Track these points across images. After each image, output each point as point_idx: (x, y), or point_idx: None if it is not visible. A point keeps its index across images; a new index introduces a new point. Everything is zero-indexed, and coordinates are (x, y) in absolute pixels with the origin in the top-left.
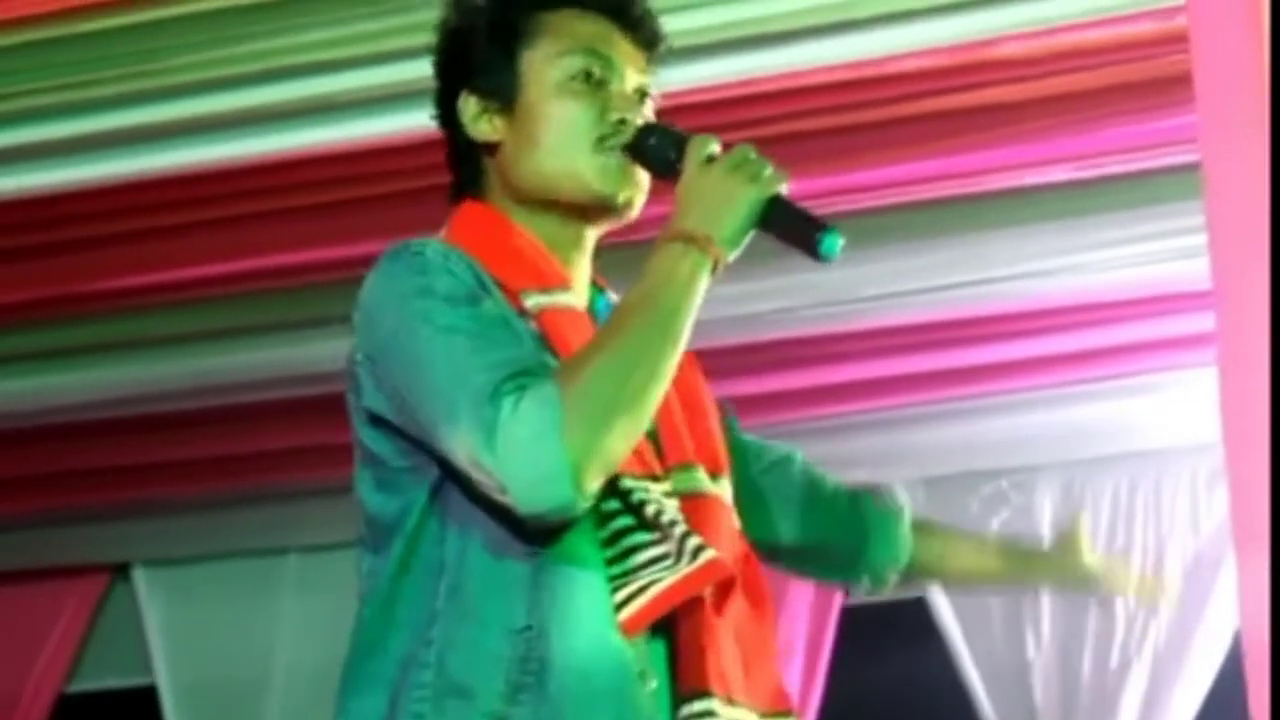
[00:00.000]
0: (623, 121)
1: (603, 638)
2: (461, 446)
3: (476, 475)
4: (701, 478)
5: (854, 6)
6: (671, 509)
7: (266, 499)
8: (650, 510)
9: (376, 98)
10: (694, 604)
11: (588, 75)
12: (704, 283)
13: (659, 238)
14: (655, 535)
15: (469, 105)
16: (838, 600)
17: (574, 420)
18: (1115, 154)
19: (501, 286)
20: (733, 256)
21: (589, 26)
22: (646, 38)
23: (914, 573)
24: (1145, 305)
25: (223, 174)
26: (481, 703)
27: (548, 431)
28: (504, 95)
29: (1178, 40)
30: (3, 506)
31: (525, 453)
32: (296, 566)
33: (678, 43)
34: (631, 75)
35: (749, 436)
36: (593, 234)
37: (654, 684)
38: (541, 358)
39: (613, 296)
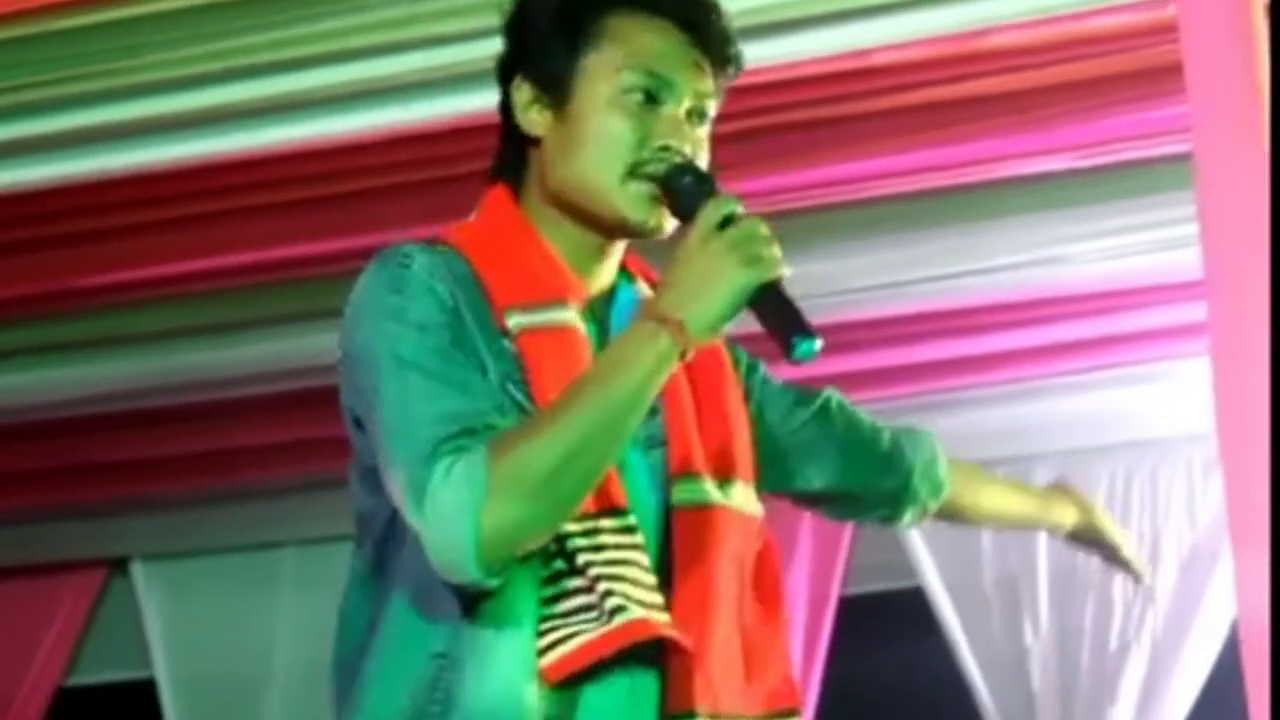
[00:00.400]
0: (666, 148)
1: (513, 684)
2: (397, 492)
3: (406, 519)
4: (706, 489)
5: None
6: (605, 556)
7: (263, 493)
8: (580, 560)
9: (355, 94)
10: (686, 625)
11: (644, 93)
12: (668, 368)
13: (640, 310)
14: (584, 583)
15: (521, 91)
16: (835, 590)
17: (495, 500)
18: (1109, 144)
19: (489, 299)
20: (707, 335)
21: (657, 40)
22: (718, 57)
23: (947, 511)
24: (1141, 295)
25: (210, 169)
26: (386, 715)
27: (466, 509)
28: (557, 92)
29: (1169, 30)
30: (1, 501)
31: (444, 523)
32: (294, 560)
33: None
34: (690, 97)
35: (782, 386)
36: (619, 246)
37: None
38: (501, 405)
39: (643, 286)
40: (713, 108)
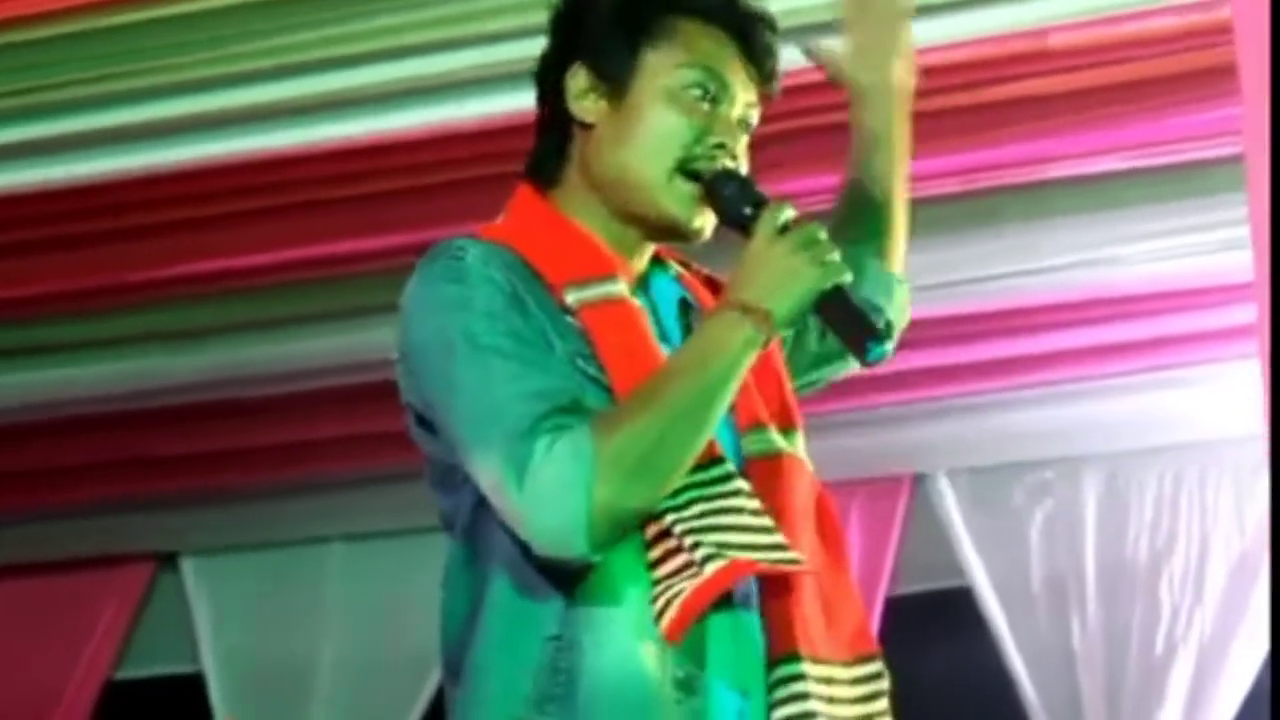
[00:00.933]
0: (721, 146)
1: (633, 652)
2: (489, 474)
3: (496, 504)
4: (773, 437)
5: None
6: (695, 510)
7: (312, 488)
8: (668, 520)
9: (409, 90)
10: (776, 580)
11: (702, 91)
12: (753, 355)
13: (718, 302)
14: (675, 542)
15: (578, 78)
16: (883, 590)
17: (603, 478)
18: (1163, 145)
19: (544, 280)
20: (785, 330)
21: (713, 45)
22: (765, 70)
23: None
24: (1192, 297)
25: (265, 164)
26: (510, 706)
27: (576, 484)
28: (616, 82)
29: (1226, 31)
30: (51, 496)
31: (550, 500)
32: (341, 555)
33: None
34: (741, 104)
35: None
36: (653, 244)
37: (699, 698)
38: (578, 381)
39: (676, 268)
40: (755, 120)
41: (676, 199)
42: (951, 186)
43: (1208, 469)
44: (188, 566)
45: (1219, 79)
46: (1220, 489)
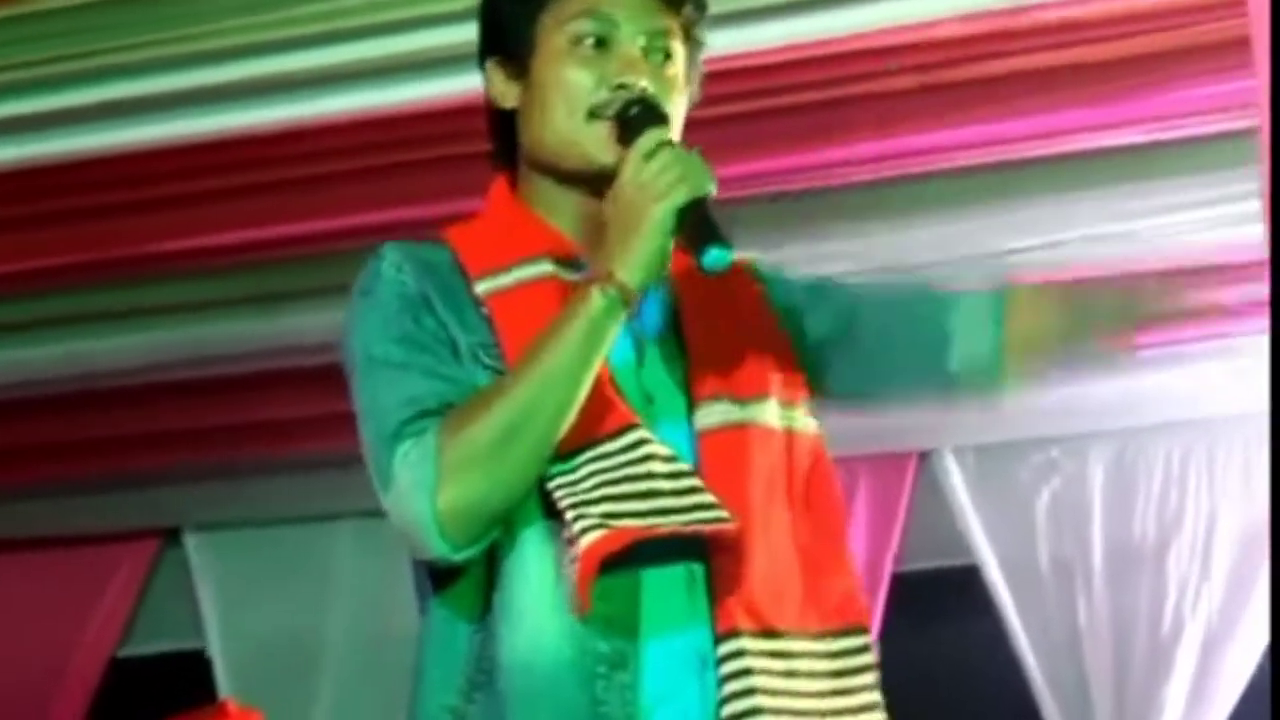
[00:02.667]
0: (623, 85)
1: (542, 629)
2: (373, 480)
3: None
4: (725, 409)
5: None
6: (588, 484)
7: (318, 464)
8: (560, 496)
9: (419, 62)
10: (719, 546)
11: (596, 40)
12: (608, 324)
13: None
14: (571, 518)
15: (493, 71)
16: (888, 568)
17: (444, 479)
18: (1174, 119)
19: (467, 277)
20: (646, 281)
21: None
22: None
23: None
24: (1205, 272)
25: (289, 135)
26: (444, 697)
27: (420, 487)
28: (519, 61)
29: (1239, 4)
30: (55, 471)
31: (403, 504)
32: (350, 532)
33: (717, 8)
34: (643, 35)
35: (806, 283)
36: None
37: (628, 672)
38: (459, 382)
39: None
40: (676, 45)
41: (595, 143)
42: (962, 160)
43: (1216, 446)
44: (192, 542)
45: (1231, 52)
46: (1228, 466)
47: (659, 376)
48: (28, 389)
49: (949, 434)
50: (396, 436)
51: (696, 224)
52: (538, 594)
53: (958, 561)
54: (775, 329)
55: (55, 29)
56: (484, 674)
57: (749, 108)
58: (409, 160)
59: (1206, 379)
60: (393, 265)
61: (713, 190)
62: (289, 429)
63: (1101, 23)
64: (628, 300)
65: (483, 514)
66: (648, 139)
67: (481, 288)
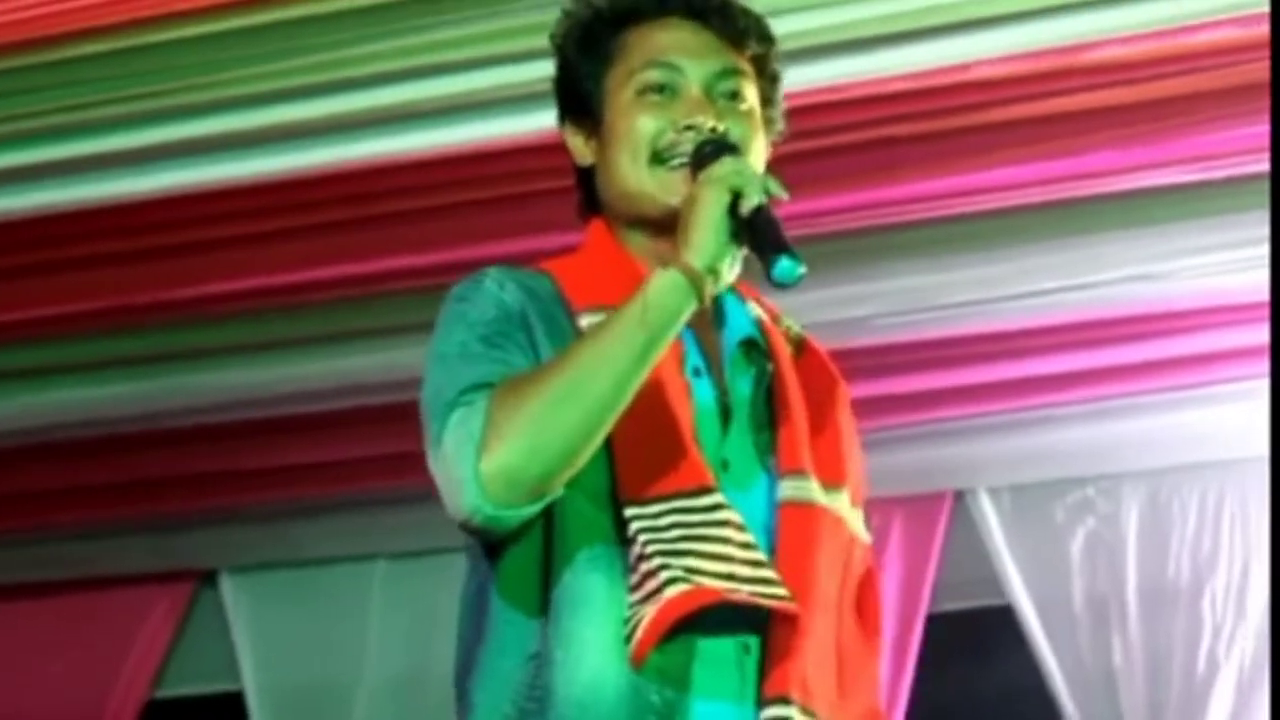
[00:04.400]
0: (689, 127)
1: (603, 673)
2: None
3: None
4: (810, 486)
5: (943, 11)
6: (675, 534)
7: (354, 505)
8: (642, 540)
9: (454, 107)
10: (779, 620)
11: (662, 87)
12: (673, 302)
13: None
14: (650, 566)
15: (570, 132)
16: (923, 608)
17: (491, 434)
18: (1209, 159)
19: (569, 307)
20: (709, 264)
21: (666, 36)
22: (731, 33)
23: None
24: (1237, 312)
25: (314, 181)
26: None
27: (466, 441)
28: (592, 118)
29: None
30: (92, 512)
31: (448, 462)
32: (384, 573)
33: None
34: (708, 77)
35: None
36: None
37: None
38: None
39: (754, 308)
40: (745, 82)
41: (666, 187)
42: (997, 201)
43: (1250, 486)
44: (227, 584)
45: (1263, 94)
46: (1263, 506)
47: (741, 445)
48: (66, 432)
49: (984, 474)
50: (451, 405)
51: (764, 232)
52: (602, 631)
53: (993, 601)
54: (855, 436)
55: (136, 68)
56: (535, 702)
57: (793, 149)
58: (446, 204)
59: (1240, 420)
60: (495, 282)
61: (780, 193)
62: (325, 472)
63: (1137, 64)
64: (695, 281)
65: (524, 476)
66: (724, 163)
67: (586, 321)
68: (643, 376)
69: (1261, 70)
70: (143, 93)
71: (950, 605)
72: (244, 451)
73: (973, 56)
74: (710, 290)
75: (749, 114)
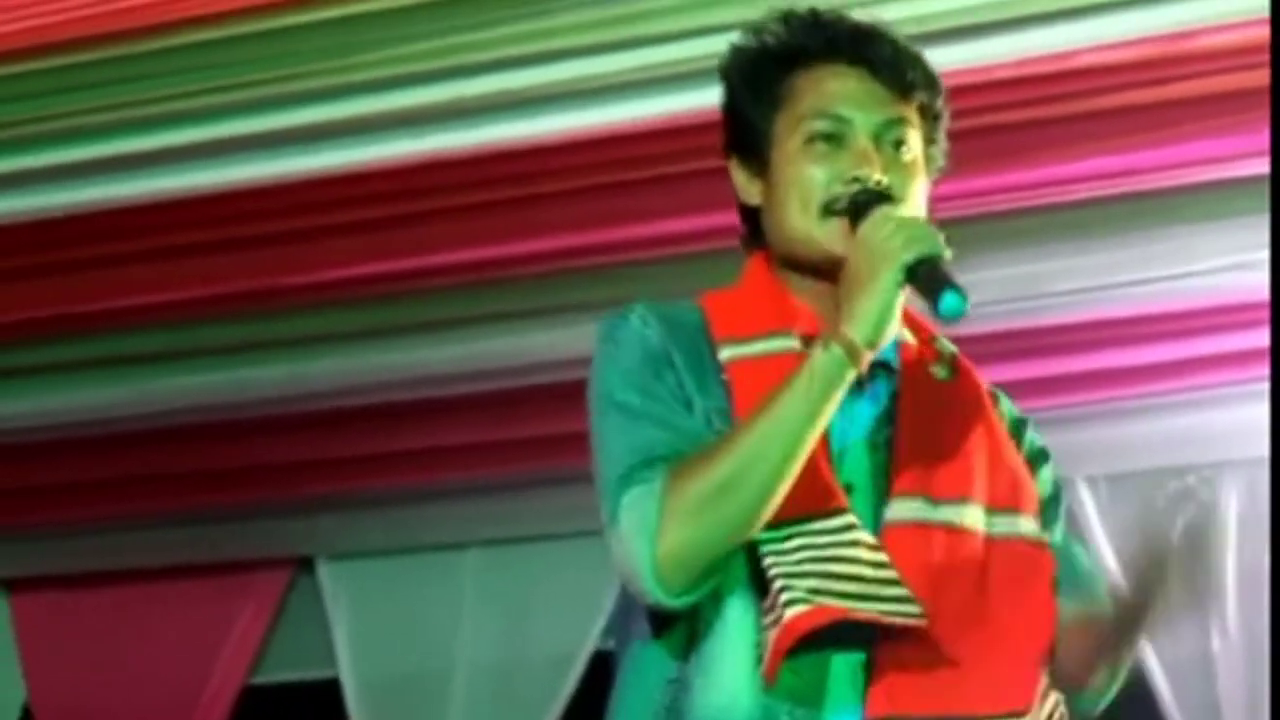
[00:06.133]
0: (856, 179)
1: (738, 693)
2: (603, 520)
3: None
4: (918, 506)
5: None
6: (798, 556)
7: (448, 494)
8: (768, 563)
9: (572, 92)
10: (888, 634)
11: (829, 137)
12: (837, 378)
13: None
14: (779, 588)
15: (736, 169)
16: None
17: (667, 524)
18: None
19: (713, 341)
20: (872, 338)
21: (833, 84)
22: (898, 84)
23: None
24: None
25: (427, 167)
26: None
27: (641, 531)
28: (759, 160)
29: None
30: (190, 500)
31: (625, 546)
32: (476, 561)
33: None
34: (876, 128)
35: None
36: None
37: None
38: (692, 436)
39: (905, 333)
40: (910, 131)
41: (832, 237)
42: (1101, 189)
43: None
44: (324, 571)
45: None
46: (1269, 503)
47: (861, 466)
48: (167, 418)
49: (1082, 463)
50: (625, 480)
51: (930, 275)
52: (736, 655)
53: None
54: (1007, 440)
55: (194, 62)
56: None
57: None
58: (555, 190)
59: None
60: (640, 318)
61: (945, 253)
62: (421, 459)
63: (1241, 51)
64: (854, 356)
65: (699, 562)
66: (876, 213)
67: (725, 354)
68: (808, 451)
69: None
70: (278, 76)
71: None
72: (340, 439)
73: (1079, 44)
74: (868, 359)
75: (912, 163)
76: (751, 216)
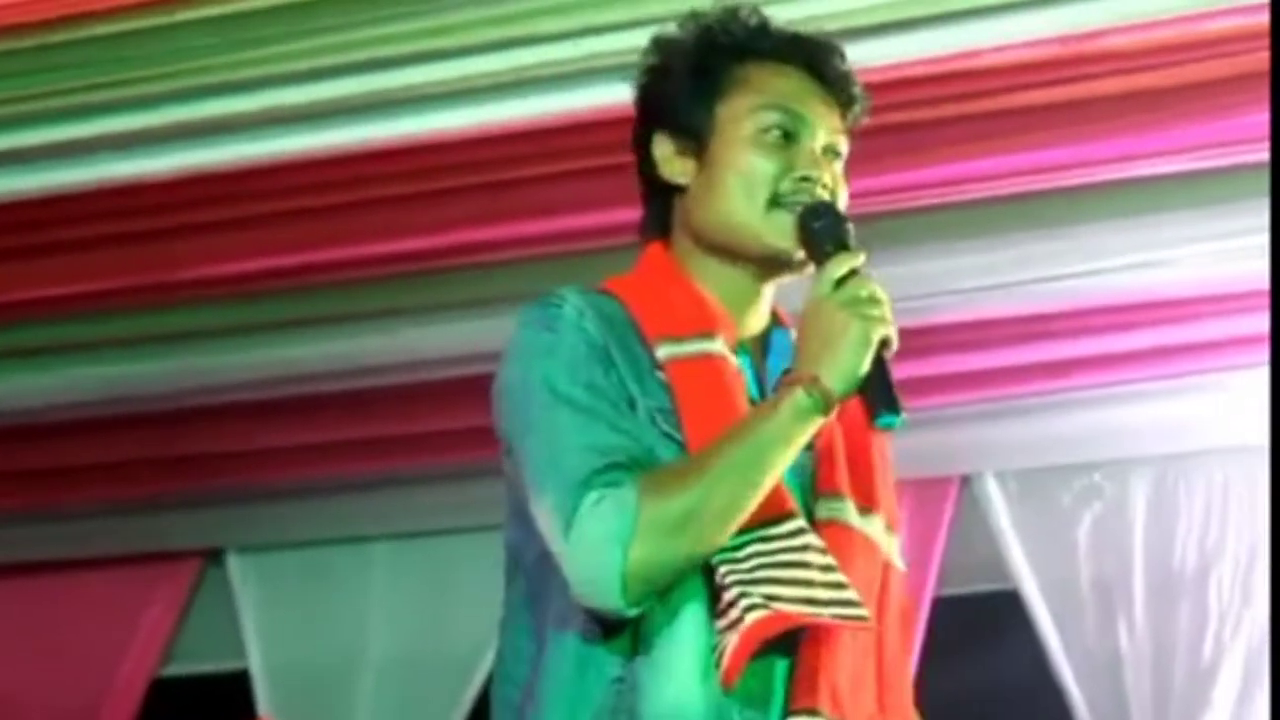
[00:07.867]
0: (806, 179)
1: (691, 695)
2: (544, 518)
3: (550, 548)
4: (846, 509)
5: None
6: (752, 564)
7: (357, 487)
8: (723, 571)
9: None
10: (817, 636)
11: (781, 131)
12: (809, 423)
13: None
14: (732, 595)
15: (663, 145)
16: (929, 592)
17: (641, 537)
18: (1216, 147)
19: (642, 335)
20: (847, 391)
21: (787, 82)
22: (843, 97)
23: None
24: (1243, 299)
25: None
26: None
27: (614, 541)
28: (697, 140)
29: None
30: (99, 492)
31: (590, 553)
32: (386, 554)
33: None
34: (823, 134)
35: None
36: (769, 285)
37: None
38: (652, 438)
39: (793, 335)
40: (844, 146)
41: (776, 230)
42: (1005, 187)
43: (1256, 473)
44: (234, 563)
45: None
46: (1269, 493)
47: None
48: (70, 411)
49: (991, 458)
50: (585, 484)
51: (879, 380)
52: (689, 659)
53: (999, 586)
54: (890, 469)
55: (199, 41)
56: None
57: None
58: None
59: (1248, 406)
60: (575, 310)
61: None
62: (330, 451)
63: (1146, 52)
64: (829, 406)
65: (667, 578)
66: (843, 262)
67: (663, 352)
68: (775, 482)
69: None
70: (240, 60)
71: (956, 589)
72: (251, 432)
73: (983, 43)
74: (836, 408)
75: (840, 176)
76: (661, 197)
